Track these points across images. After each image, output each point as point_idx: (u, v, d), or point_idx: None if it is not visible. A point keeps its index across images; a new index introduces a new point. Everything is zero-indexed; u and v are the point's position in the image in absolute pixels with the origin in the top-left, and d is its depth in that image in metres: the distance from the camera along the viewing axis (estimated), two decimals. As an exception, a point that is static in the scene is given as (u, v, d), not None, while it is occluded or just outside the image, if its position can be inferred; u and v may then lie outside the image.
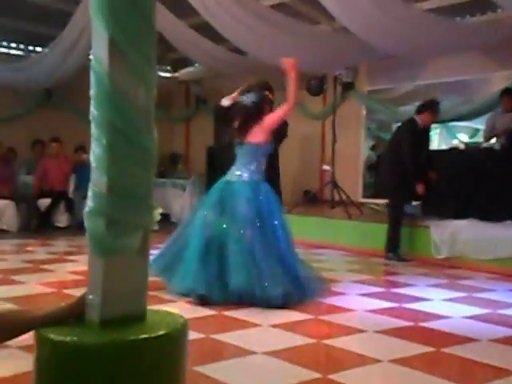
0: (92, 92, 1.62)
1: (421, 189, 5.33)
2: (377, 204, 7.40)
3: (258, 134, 3.88)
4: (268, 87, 4.28)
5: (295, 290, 3.66)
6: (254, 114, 3.90)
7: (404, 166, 5.39)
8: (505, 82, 6.92)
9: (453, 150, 6.21)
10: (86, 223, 1.63)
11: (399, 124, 6.26)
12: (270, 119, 3.91)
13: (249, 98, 3.92)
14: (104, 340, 1.51)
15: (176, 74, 10.34)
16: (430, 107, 5.56)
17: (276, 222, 3.80)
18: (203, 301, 3.56)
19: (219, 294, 3.58)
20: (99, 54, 1.62)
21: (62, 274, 4.56)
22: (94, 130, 1.62)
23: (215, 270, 3.63)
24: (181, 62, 9.85)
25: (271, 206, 3.84)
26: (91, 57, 1.64)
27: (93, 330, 1.58)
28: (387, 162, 5.75)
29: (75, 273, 4.50)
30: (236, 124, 3.97)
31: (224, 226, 3.71)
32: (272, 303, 3.50)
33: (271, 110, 4.03)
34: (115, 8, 1.57)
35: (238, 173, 3.90)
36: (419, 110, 5.58)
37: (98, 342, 1.51)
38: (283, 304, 3.54)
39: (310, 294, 3.76)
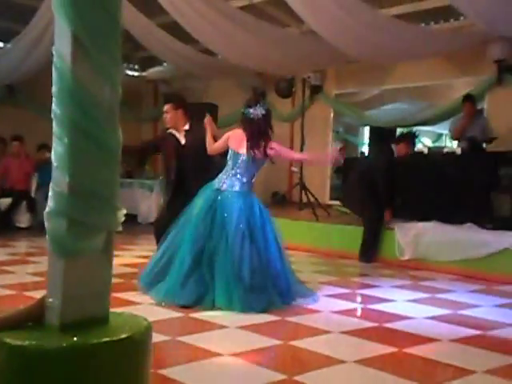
0: (54, 89, 1.57)
1: (388, 216, 5.55)
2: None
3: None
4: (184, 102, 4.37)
5: (281, 299, 3.69)
6: (265, 128, 3.80)
7: (375, 188, 5.57)
8: (466, 87, 7.13)
9: (416, 154, 6.34)
10: (47, 224, 1.58)
11: (372, 144, 6.36)
12: (278, 151, 3.84)
13: (257, 111, 3.78)
14: (64, 344, 1.47)
15: (144, 73, 10.22)
16: (408, 138, 5.77)
17: (268, 234, 3.79)
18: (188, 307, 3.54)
19: (209, 302, 3.56)
20: (62, 50, 1.57)
21: (22, 275, 4.43)
22: (55, 128, 1.57)
23: (206, 281, 3.61)
24: (149, 61, 9.74)
25: (263, 218, 3.80)
26: (53, 52, 1.59)
27: (52, 333, 1.53)
28: (357, 182, 5.83)
29: (36, 274, 4.39)
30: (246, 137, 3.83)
31: (214, 237, 3.67)
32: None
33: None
34: (78, 3, 1.53)
35: (229, 182, 3.82)
36: (398, 140, 5.78)
37: (57, 346, 1.46)
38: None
39: (298, 297, 3.82)
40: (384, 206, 5.56)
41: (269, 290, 3.63)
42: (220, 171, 3.92)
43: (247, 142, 3.79)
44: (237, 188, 3.80)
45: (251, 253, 3.61)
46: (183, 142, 4.37)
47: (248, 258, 3.59)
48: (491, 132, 6.26)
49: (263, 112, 3.78)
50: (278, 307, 3.58)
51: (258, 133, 3.77)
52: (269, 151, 3.80)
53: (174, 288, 3.60)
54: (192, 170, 4.26)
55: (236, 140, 3.85)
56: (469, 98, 6.39)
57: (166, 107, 4.44)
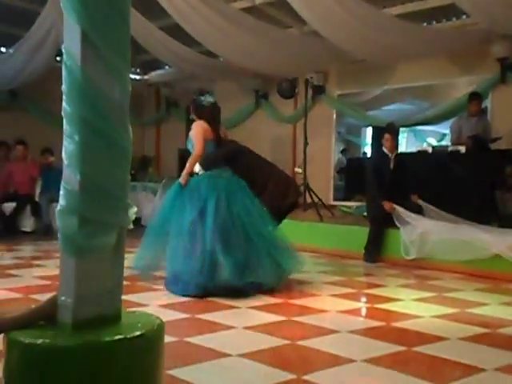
0: (64, 87, 1.57)
1: (387, 206, 5.47)
2: (347, 206, 7.49)
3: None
4: None
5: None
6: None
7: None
8: (468, 87, 7.12)
9: (421, 153, 6.34)
10: (58, 222, 1.58)
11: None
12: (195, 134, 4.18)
13: (207, 99, 4.19)
14: (77, 342, 1.46)
15: (146, 77, 10.24)
16: (390, 131, 5.74)
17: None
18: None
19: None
20: (71, 47, 1.57)
21: (28, 279, 4.43)
22: (66, 126, 1.57)
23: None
24: (151, 64, 9.76)
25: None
26: (63, 49, 1.59)
27: (65, 331, 1.53)
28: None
29: (42, 278, 4.39)
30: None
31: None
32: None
33: None
34: (87, 1, 1.53)
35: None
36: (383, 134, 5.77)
37: (71, 344, 1.46)
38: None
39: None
40: (377, 199, 5.55)
41: None
42: None
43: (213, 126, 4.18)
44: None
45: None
46: None
47: None
48: (491, 133, 6.24)
49: (211, 100, 4.22)
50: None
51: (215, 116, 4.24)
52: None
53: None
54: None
55: (207, 130, 4.17)
56: (476, 97, 6.30)
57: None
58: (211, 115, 4.17)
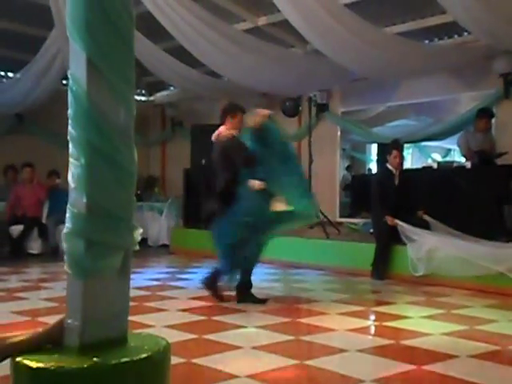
0: (70, 111, 1.60)
1: (390, 220, 5.49)
2: (354, 223, 7.47)
3: None
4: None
5: None
6: None
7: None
8: (472, 102, 7.13)
9: (426, 169, 6.33)
10: (65, 245, 1.59)
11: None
12: None
13: None
14: (84, 365, 1.46)
15: (151, 98, 10.35)
16: (395, 147, 5.78)
17: None
18: None
19: None
20: (77, 73, 1.60)
21: (35, 301, 4.43)
22: (72, 149, 1.60)
23: None
24: (156, 86, 9.88)
25: None
26: (69, 75, 1.63)
27: (72, 355, 1.53)
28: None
29: (49, 300, 4.39)
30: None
31: None
32: None
33: None
34: (92, 27, 1.57)
35: None
36: (388, 152, 5.81)
37: (78, 367, 1.46)
38: None
39: None
40: (381, 215, 5.55)
41: None
42: None
43: None
44: None
45: None
46: None
47: None
48: (495, 148, 6.23)
49: None
50: None
51: None
52: None
53: None
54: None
55: None
56: (485, 113, 6.23)
57: None
58: None
